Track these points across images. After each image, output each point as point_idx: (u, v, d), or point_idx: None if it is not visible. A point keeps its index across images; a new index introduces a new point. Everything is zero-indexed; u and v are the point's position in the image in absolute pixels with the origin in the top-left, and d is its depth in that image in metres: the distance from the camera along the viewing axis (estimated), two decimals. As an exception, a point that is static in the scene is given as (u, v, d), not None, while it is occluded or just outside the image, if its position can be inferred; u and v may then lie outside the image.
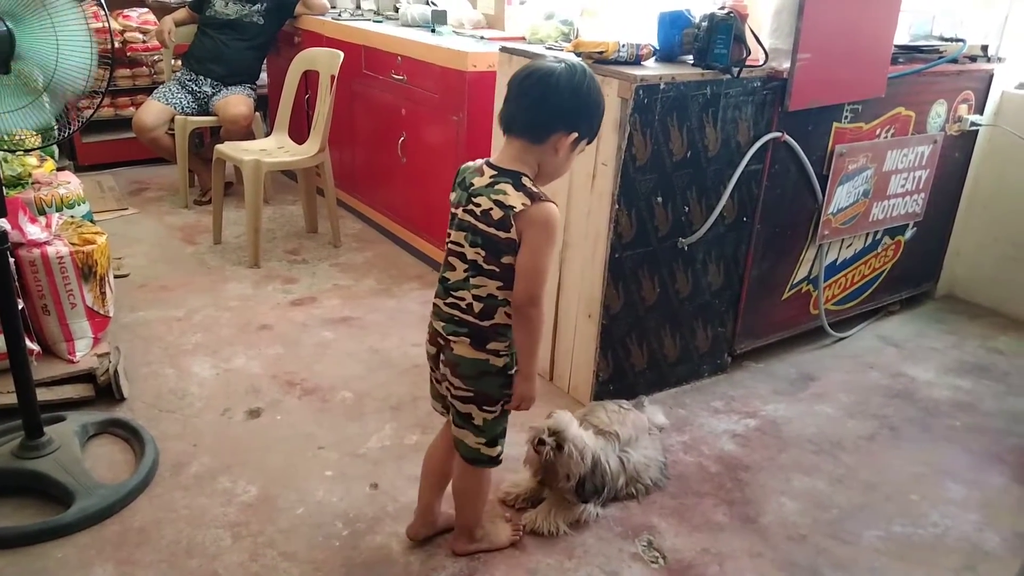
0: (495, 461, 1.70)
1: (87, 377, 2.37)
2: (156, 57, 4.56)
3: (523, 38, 3.12)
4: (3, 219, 1.81)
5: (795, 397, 2.60)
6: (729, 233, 2.49)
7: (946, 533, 2.01)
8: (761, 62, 2.32)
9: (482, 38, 3.34)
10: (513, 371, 1.61)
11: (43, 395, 2.17)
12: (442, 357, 1.62)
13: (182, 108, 4.00)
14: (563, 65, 1.50)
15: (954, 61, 2.82)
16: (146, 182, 4.45)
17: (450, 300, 1.59)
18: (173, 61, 4.30)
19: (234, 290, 3.18)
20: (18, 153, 2.87)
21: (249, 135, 3.96)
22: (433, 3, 3.81)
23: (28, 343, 2.04)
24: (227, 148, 3.54)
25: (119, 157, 4.62)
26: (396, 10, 4.07)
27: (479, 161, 1.58)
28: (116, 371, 2.38)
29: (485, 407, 1.62)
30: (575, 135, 1.51)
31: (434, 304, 1.64)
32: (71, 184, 2.99)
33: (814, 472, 2.22)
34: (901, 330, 3.11)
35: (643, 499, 2.05)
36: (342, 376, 2.58)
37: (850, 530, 2.00)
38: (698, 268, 2.46)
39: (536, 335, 1.55)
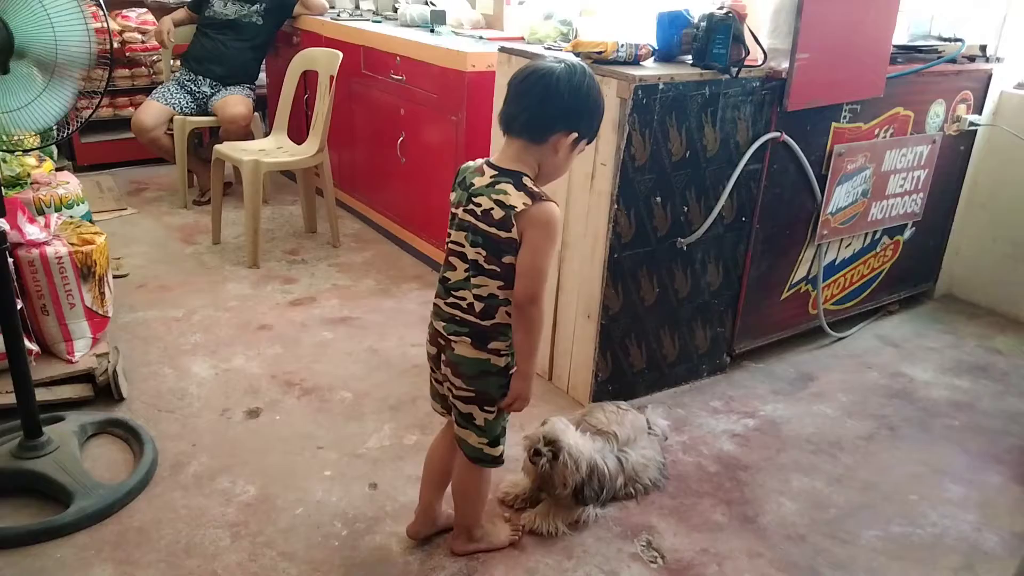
0: (498, 461, 1.70)
1: (86, 377, 2.37)
2: (155, 57, 4.56)
3: (522, 38, 3.12)
4: (2, 219, 1.81)
5: (794, 397, 2.60)
6: (728, 233, 2.49)
7: (944, 533, 2.02)
8: (760, 62, 2.32)
9: (481, 38, 3.34)
10: (513, 371, 1.61)
11: (42, 395, 2.17)
12: (443, 357, 1.62)
13: (181, 108, 4.00)
14: (563, 65, 1.50)
15: (953, 61, 2.83)
16: (145, 182, 4.45)
17: (451, 300, 1.59)
18: (172, 61, 4.30)
19: (233, 290, 3.18)
20: (17, 153, 2.87)
21: (248, 135, 3.96)
22: (432, 3, 3.81)
23: (27, 343, 2.04)
24: (226, 148, 3.54)
25: (118, 157, 4.62)
26: (395, 10, 4.07)
27: (479, 161, 1.58)
28: (115, 371, 2.38)
29: (486, 407, 1.63)
30: (575, 135, 1.52)
31: (435, 304, 1.64)
32: (70, 184, 2.99)
33: (813, 472, 2.22)
34: (900, 330, 3.11)
35: (642, 499, 2.06)
36: (341, 376, 2.58)
37: (849, 530, 2.00)
38: (697, 268, 2.46)
39: (536, 334, 1.56)
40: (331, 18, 4.01)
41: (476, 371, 1.59)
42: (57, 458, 1.99)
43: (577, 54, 2.20)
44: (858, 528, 2.01)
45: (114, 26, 4.36)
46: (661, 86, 2.14)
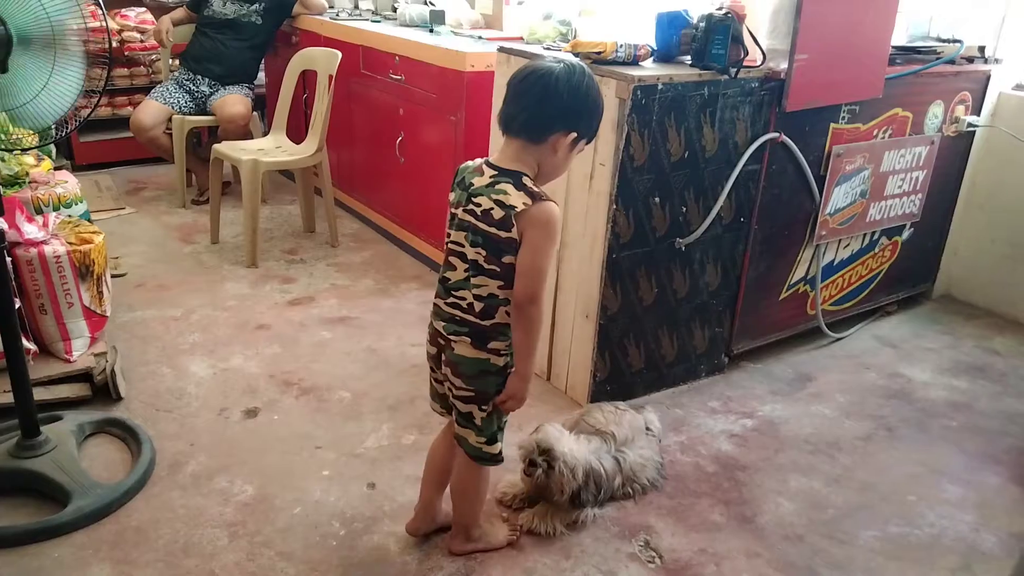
0: (497, 459, 1.70)
1: (84, 376, 2.36)
2: (154, 56, 4.56)
3: (521, 38, 3.12)
4: (0, 218, 1.81)
5: (792, 397, 2.60)
6: (726, 233, 2.49)
7: (942, 533, 2.02)
8: (759, 63, 2.32)
9: (480, 38, 3.34)
10: (512, 370, 1.61)
11: (40, 394, 2.16)
12: (443, 357, 1.62)
13: (180, 108, 4.00)
14: (562, 65, 1.50)
15: (951, 62, 2.83)
16: (143, 182, 4.44)
17: (451, 300, 1.59)
18: (171, 61, 4.30)
19: (232, 290, 3.18)
20: (15, 152, 2.86)
21: (247, 135, 3.96)
22: (431, 3, 3.81)
23: (25, 342, 2.04)
24: (225, 148, 3.54)
25: (116, 156, 4.61)
26: (394, 10, 4.07)
27: (478, 161, 1.58)
28: (113, 370, 2.37)
29: (484, 406, 1.63)
30: (574, 135, 1.52)
31: (434, 304, 1.64)
32: (68, 183, 2.98)
33: (811, 472, 2.22)
34: (898, 330, 3.11)
35: (640, 499, 2.06)
36: (339, 376, 2.58)
37: (846, 530, 2.00)
38: (695, 268, 2.47)
39: (535, 334, 1.56)
40: (330, 18, 4.01)
41: (476, 371, 1.59)
42: (55, 457, 1.98)
43: (576, 54, 2.20)
44: (856, 528, 2.01)
45: (113, 25, 4.36)
46: (660, 86, 2.14)
